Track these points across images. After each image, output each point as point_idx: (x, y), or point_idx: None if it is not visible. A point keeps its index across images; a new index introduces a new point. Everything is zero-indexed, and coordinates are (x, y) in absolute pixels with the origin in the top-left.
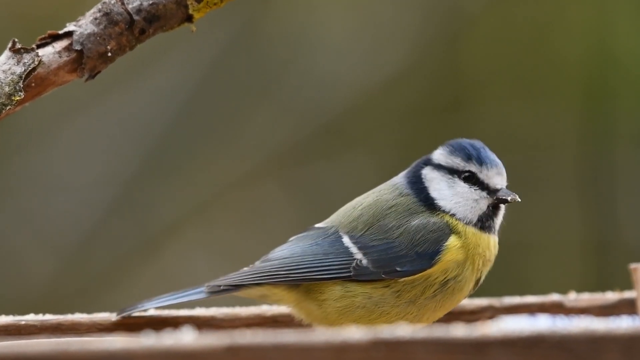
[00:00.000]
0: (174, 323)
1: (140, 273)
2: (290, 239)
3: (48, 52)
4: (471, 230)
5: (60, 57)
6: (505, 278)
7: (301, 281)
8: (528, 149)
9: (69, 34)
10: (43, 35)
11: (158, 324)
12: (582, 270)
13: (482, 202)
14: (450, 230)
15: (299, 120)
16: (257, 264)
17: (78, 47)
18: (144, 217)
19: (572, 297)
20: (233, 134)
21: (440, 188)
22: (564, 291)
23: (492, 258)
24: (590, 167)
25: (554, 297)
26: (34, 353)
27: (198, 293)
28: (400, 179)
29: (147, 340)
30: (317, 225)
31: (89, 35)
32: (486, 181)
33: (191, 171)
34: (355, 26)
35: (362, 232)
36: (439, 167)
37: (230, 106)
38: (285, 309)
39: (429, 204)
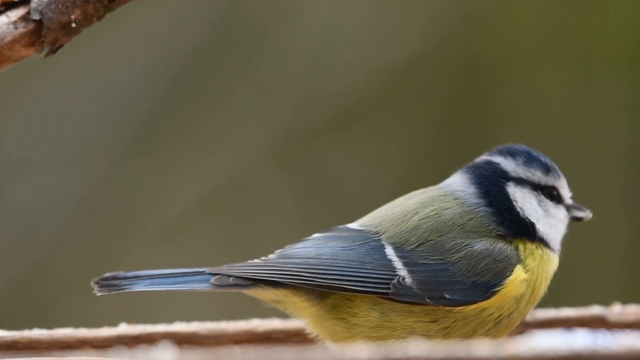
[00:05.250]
0: (149, 339)
1: None
2: (313, 235)
3: (1, 23)
4: (548, 254)
5: (15, 28)
6: None
7: (328, 289)
8: (568, 127)
9: (26, 2)
10: None
11: (130, 340)
12: (628, 278)
13: (565, 222)
14: (517, 260)
15: (301, 105)
16: (272, 257)
17: (36, 17)
18: (120, 211)
19: (617, 310)
20: (226, 119)
21: (533, 208)
22: (606, 303)
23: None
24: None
25: (595, 309)
26: None
27: (201, 282)
28: (462, 188)
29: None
30: (349, 225)
31: (50, 2)
32: (563, 195)
33: (175, 158)
34: (358, 4)
35: (414, 246)
36: (520, 181)
37: (216, 90)
38: (279, 324)
39: (514, 226)
